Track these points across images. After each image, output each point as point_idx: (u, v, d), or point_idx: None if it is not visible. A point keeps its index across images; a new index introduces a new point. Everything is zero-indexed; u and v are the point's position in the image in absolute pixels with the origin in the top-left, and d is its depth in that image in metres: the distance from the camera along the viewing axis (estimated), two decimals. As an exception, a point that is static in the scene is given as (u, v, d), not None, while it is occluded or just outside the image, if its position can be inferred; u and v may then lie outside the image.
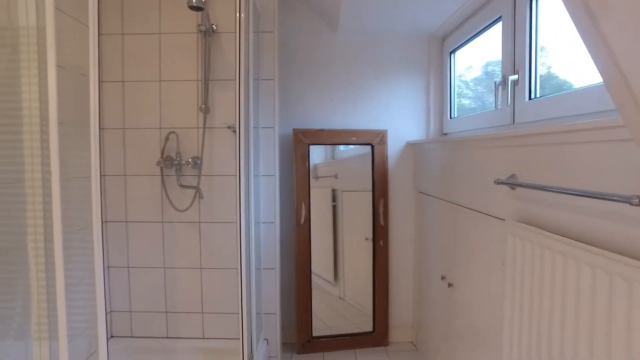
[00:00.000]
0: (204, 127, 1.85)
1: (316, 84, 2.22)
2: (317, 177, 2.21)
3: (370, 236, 2.21)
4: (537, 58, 1.37)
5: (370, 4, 1.77)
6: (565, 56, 1.26)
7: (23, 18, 1.26)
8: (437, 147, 1.83)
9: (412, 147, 2.24)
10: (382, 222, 2.20)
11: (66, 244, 1.05)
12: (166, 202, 1.90)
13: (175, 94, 1.89)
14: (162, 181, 1.87)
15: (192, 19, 1.86)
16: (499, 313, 1.24)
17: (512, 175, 1.14)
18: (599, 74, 0.62)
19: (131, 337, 1.95)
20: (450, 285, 1.67)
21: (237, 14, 1.47)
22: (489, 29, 1.71)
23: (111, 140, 1.90)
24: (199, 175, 1.87)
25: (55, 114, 1.03)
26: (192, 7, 1.68)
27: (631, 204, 0.63)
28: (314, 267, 2.18)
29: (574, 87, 1.19)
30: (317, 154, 2.21)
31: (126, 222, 1.92)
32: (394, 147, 2.24)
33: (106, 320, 1.92)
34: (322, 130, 2.13)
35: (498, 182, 1.11)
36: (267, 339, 1.92)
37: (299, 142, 2.10)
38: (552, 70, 1.32)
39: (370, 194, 2.20)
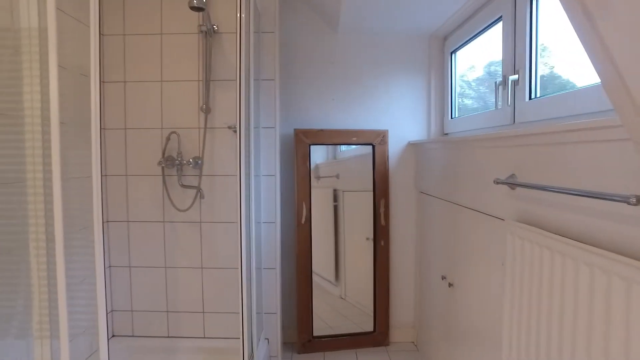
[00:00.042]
0: (205, 127, 1.86)
1: (317, 84, 2.22)
2: (318, 177, 2.21)
3: (371, 236, 2.21)
4: (537, 58, 1.37)
5: (371, 4, 1.77)
6: (568, 56, 1.26)
7: (25, 19, 1.26)
8: (437, 147, 1.83)
9: (413, 147, 2.24)
10: (383, 222, 2.20)
11: (67, 243, 1.06)
12: (167, 202, 1.91)
13: (177, 94, 1.90)
14: (164, 181, 1.88)
15: (193, 19, 1.87)
16: (499, 313, 1.24)
17: (512, 175, 1.14)
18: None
19: (132, 336, 1.96)
20: (450, 285, 1.67)
21: (238, 15, 1.47)
22: (489, 28, 1.71)
23: (113, 141, 1.91)
24: (200, 175, 1.88)
25: (57, 114, 1.03)
26: (193, 8, 1.69)
27: (629, 203, 0.63)
28: (315, 267, 2.18)
29: (576, 87, 1.18)
30: (319, 154, 2.21)
31: (128, 221, 1.92)
32: (394, 147, 2.24)
33: (107, 320, 1.93)
34: (323, 130, 2.14)
35: (497, 182, 1.11)
36: (267, 339, 1.93)
37: (300, 142, 2.11)
38: (555, 70, 1.32)
39: (371, 194, 2.21)
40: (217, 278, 1.94)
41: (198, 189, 1.86)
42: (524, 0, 1.39)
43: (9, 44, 1.24)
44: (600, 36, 0.56)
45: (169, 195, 1.88)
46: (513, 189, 1.13)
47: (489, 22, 1.67)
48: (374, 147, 2.18)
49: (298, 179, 2.11)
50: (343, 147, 2.24)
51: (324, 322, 2.20)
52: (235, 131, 1.85)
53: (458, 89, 2.12)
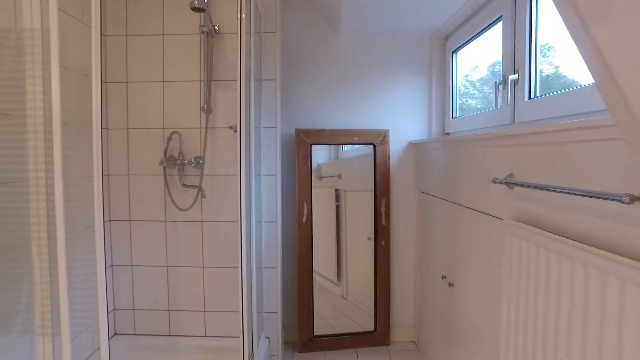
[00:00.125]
0: (206, 127, 1.87)
1: (318, 84, 2.23)
2: (320, 177, 2.22)
3: (373, 236, 2.22)
4: (537, 58, 1.37)
5: (372, 4, 1.78)
6: (572, 55, 1.25)
7: (27, 20, 1.28)
8: (438, 146, 1.83)
9: (414, 147, 2.24)
10: (384, 222, 2.20)
11: (70, 242, 1.07)
12: (169, 202, 1.92)
13: (178, 95, 1.91)
14: (165, 181, 1.89)
15: (194, 20, 1.88)
16: (498, 313, 1.24)
17: (510, 175, 1.14)
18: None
19: (134, 334, 1.98)
20: (450, 284, 1.67)
21: (239, 15, 1.48)
22: (490, 28, 1.71)
23: (115, 140, 1.92)
24: (201, 175, 1.89)
25: (59, 114, 1.04)
26: (194, 9, 1.70)
27: (622, 202, 0.63)
28: (317, 267, 2.19)
29: (581, 86, 1.18)
30: (321, 154, 2.22)
31: (130, 221, 1.94)
32: (395, 147, 2.24)
33: (109, 318, 1.95)
34: (324, 130, 2.14)
35: (495, 181, 1.12)
36: (268, 338, 1.94)
37: (301, 142, 2.11)
38: (560, 70, 1.31)
39: (372, 194, 2.21)
40: (218, 277, 1.95)
41: (199, 188, 1.87)
42: (523, 0, 1.39)
43: (11, 45, 1.26)
44: (593, 39, 0.56)
45: (170, 195, 1.89)
46: (511, 188, 1.13)
47: (489, 22, 1.67)
48: (375, 146, 2.19)
49: (299, 179, 2.12)
50: (345, 147, 2.25)
51: (324, 322, 2.20)
52: (236, 131, 1.86)
53: (462, 89, 2.12)
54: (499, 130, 1.48)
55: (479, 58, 1.89)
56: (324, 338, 2.17)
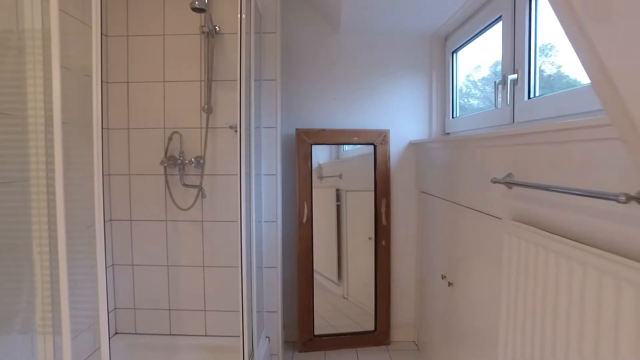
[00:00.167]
0: (207, 127, 1.88)
1: (319, 84, 2.23)
2: (321, 177, 2.22)
3: (373, 236, 2.22)
4: (536, 57, 1.37)
5: (372, 4, 1.78)
6: (573, 55, 1.24)
7: (29, 20, 1.29)
8: (438, 146, 1.84)
9: (414, 147, 2.24)
10: (384, 221, 2.20)
11: (71, 241, 1.08)
12: (170, 201, 1.93)
13: (179, 95, 1.92)
14: (166, 180, 1.90)
15: (195, 20, 1.89)
16: (498, 312, 1.24)
17: (509, 174, 1.14)
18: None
19: (135, 333, 1.98)
20: (450, 284, 1.67)
21: (239, 15, 1.48)
22: (489, 28, 1.71)
23: (116, 140, 1.93)
24: (202, 175, 1.90)
25: (59, 114, 1.05)
26: (194, 9, 1.71)
27: (618, 201, 0.64)
28: (318, 267, 2.19)
29: (581, 86, 1.18)
30: (322, 154, 2.22)
31: (130, 220, 1.95)
32: (396, 146, 2.24)
33: (111, 317, 1.95)
34: (324, 130, 2.15)
35: (494, 181, 1.12)
36: (268, 337, 1.94)
37: (302, 142, 2.12)
38: (562, 70, 1.31)
39: (373, 194, 2.21)
40: (218, 276, 1.95)
41: (200, 188, 1.88)
42: (523, 0, 1.39)
43: (13, 45, 1.27)
44: (589, 39, 0.56)
45: (171, 195, 1.90)
46: (510, 188, 1.13)
47: (489, 22, 1.67)
48: (375, 146, 2.19)
49: (300, 179, 2.12)
50: (346, 147, 2.25)
51: (325, 321, 2.21)
52: (236, 131, 1.87)
53: (464, 89, 2.12)
54: (498, 130, 1.48)
55: (481, 58, 1.89)
56: (324, 338, 2.18)
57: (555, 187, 0.84)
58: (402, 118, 2.24)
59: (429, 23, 2.01)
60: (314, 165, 2.18)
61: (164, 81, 1.91)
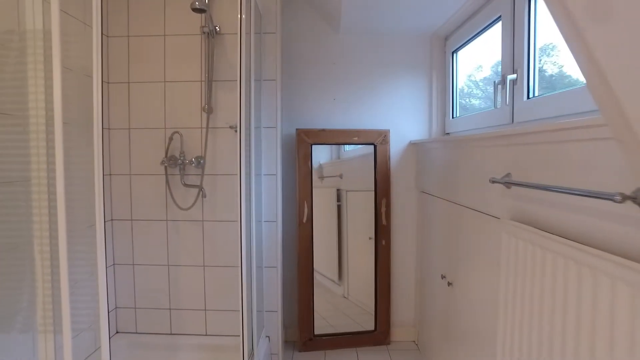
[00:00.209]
0: (207, 127, 1.88)
1: (319, 85, 2.24)
2: (322, 177, 2.23)
3: (374, 236, 2.22)
4: (535, 57, 1.37)
5: (372, 4, 1.78)
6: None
7: (30, 21, 1.30)
8: (438, 146, 1.84)
9: (414, 147, 2.25)
10: (384, 221, 2.21)
11: (72, 240, 1.08)
12: (170, 201, 1.93)
13: (179, 95, 1.92)
14: (167, 180, 1.91)
15: (196, 21, 1.89)
16: (497, 312, 1.24)
17: (508, 174, 1.14)
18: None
19: (136, 333, 1.99)
20: (450, 284, 1.67)
21: (239, 16, 1.49)
22: (489, 28, 1.71)
23: (117, 140, 1.94)
24: (202, 175, 1.90)
25: (60, 114, 1.06)
26: (195, 9, 1.71)
27: (614, 201, 0.64)
28: (319, 267, 2.20)
29: (579, 86, 1.18)
30: (323, 154, 2.23)
31: (131, 220, 1.96)
32: (396, 146, 2.25)
33: (112, 317, 1.96)
34: (324, 130, 2.15)
35: (493, 181, 1.12)
36: (268, 336, 1.95)
37: (302, 142, 2.12)
38: (564, 69, 1.31)
39: (373, 194, 2.22)
40: (219, 276, 1.96)
41: (200, 188, 1.89)
42: (522, 0, 1.39)
43: (14, 46, 1.27)
44: (585, 40, 0.57)
45: (171, 194, 1.91)
46: (508, 187, 1.13)
47: (489, 22, 1.68)
48: (375, 146, 2.19)
49: (300, 179, 2.13)
50: (347, 147, 2.26)
51: (325, 321, 2.21)
52: (236, 131, 1.87)
53: (465, 89, 2.12)
54: (497, 130, 1.49)
55: (482, 58, 1.89)
56: (324, 337, 2.18)
57: (551, 187, 0.85)
58: (402, 118, 2.24)
59: (429, 23, 2.02)
60: (315, 165, 2.19)
61: (164, 81, 1.92)
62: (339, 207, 2.26)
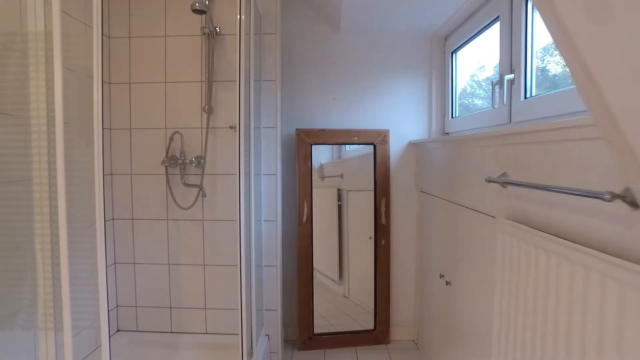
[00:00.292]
0: (207, 128, 1.90)
1: (319, 85, 2.25)
2: (323, 177, 2.24)
3: (373, 235, 2.23)
4: (532, 57, 1.37)
5: (372, 4, 1.79)
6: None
7: (32, 23, 1.31)
8: (437, 146, 1.85)
9: (414, 147, 2.25)
10: (384, 221, 2.21)
11: (73, 239, 1.10)
12: (171, 200, 1.95)
13: (180, 95, 1.94)
14: (167, 180, 1.92)
15: (196, 22, 1.91)
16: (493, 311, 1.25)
17: (504, 174, 1.15)
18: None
19: (137, 331, 2.01)
20: (448, 283, 1.68)
21: (238, 16, 1.50)
22: (488, 28, 1.72)
23: (118, 140, 1.96)
24: (202, 174, 1.92)
25: (61, 115, 1.07)
26: (195, 11, 1.73)
27: (603, 199, 0.65)
28: (319, 266, 2.21)
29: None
30: (324, 154, 2.24)
31: (132, 219, 1.97)
32: (396, 146, 2.25)
33: (113, 315, 1.98)
34: (324, 130, 2.16)
35: (489, 180, 1.13)
36: (268, 335, 1.96)
37: (302, 142, 2.14)
38: (567, 69, 1.31)
39: (373, 194, 2.22)
40: (218, 275, 1.98)
41: (200, 187, 1.90)
42: (520, 0, 1.39)
43: (16, 47, 1.29)
44: (574, 45, 0.57)
45: (172, 194, 1.92)
46: (504, 187, 1.14)
47: (487, 22, 1.68)
48: (375, 146, 2.20)
49: (299, 178, 2.14)
50: (348, 147, 2.27)
51: (326, 320, 2.22)
52: (236, 131, 1.89)
53: (468, 89, 2.12)
54: (494, 129, 1.49)
55: (485, 58, 1.89)
56: (323, 336, 2.19)
57: (542, 186, 0.85)
58: (402, 118, 2.25)
59: (428, 23, 2.02)
60: (316, 165, 2.20)
61: (165, 82, 1.94)
62: (339, 207, 2.27)
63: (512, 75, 1.43)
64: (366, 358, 2.09)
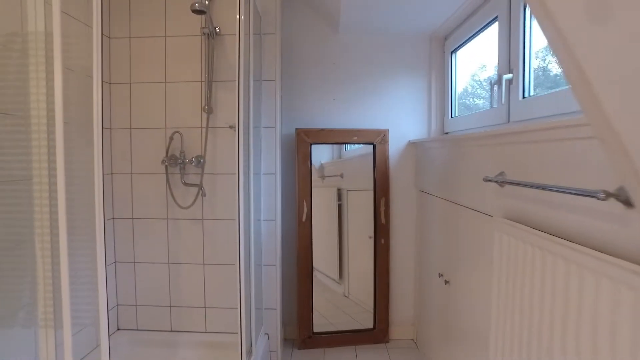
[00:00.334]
0: (207, 127, 1.90)
1: (319, 84, 2.25)
2: (323, 177, 2.24)
3: (373, 234, 2.24)
4: (531, 57, 1.38)
5: (371, 4, 1.79)
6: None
7: (32, 23, 1.32)
8: (436, 146, 1.85)
9: (413, 146, 2.26)
10: (383, 220, 2.22)
11: (73, 238, 1.11)
12: (170, 200, 1.96)
13: (180, 95, 1.95)
14: (167, 179, 1.93)
15: (196, 22, 1.92)
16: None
17: (501, 173, 1.15)
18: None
19: (137, 330, 2.02)
20: (446, 282, 1.68)
21: (238, 17, 1.51)
22: (487, 28, 1.72)
23: (119, 140, 1.97)
24: (202, 174, 1.92)
25: (61, 114, 1.08)
26: (194, 11, 1.73)
27: (597, 198, 0.65)
28: (319, 265, 2.22)
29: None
30: (324, 154, 2.24)
31: (132, 218, 1.98)
32: (395, 146, 2.26)
33: (113, 314, 1.99)
34: (323, 129, 2.17)
35: (486, 180, 1.13)
36: (267, 334, 1.96)
37: (301, 142, 2.14)
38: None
39: (372, 193, 2.23)
40: (218, 274, 1.98)
41: (200, 187, 1.91)
42: (518, 0, 1.40)
43: (16, 47, 1.30)
44: (568, 47, 0.58)
45: (172, 193, 1.93)
46: (502, 186, 1.14)
47: (486, 22, 1.68)
48: (374, 146, 2.20)
49: (299, 178, 2.14)
50: (348, 147, 2.27)
51: (325, 319, 2.23)
52: (236, 130, 1.89)
53: (469, 89, 2.12)
54: (492, 129, 1.50)
55: (486, 58, 1.89)
56: (323, 335, 2.20)
57: (539, 185, 0.86)
58: (401, 117, 2.25)
59: (428, 23, 2.03)
60: (316, 165, 2.20)
61: (165, 82, 1.94)
62: (339, 207, 2.27)
63: (510, 75, 1.44)
64: (366, 357, 2.10)
